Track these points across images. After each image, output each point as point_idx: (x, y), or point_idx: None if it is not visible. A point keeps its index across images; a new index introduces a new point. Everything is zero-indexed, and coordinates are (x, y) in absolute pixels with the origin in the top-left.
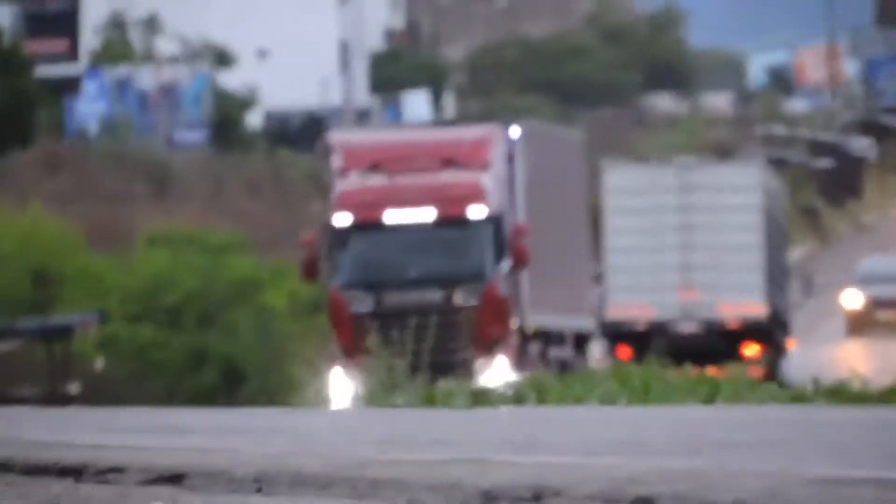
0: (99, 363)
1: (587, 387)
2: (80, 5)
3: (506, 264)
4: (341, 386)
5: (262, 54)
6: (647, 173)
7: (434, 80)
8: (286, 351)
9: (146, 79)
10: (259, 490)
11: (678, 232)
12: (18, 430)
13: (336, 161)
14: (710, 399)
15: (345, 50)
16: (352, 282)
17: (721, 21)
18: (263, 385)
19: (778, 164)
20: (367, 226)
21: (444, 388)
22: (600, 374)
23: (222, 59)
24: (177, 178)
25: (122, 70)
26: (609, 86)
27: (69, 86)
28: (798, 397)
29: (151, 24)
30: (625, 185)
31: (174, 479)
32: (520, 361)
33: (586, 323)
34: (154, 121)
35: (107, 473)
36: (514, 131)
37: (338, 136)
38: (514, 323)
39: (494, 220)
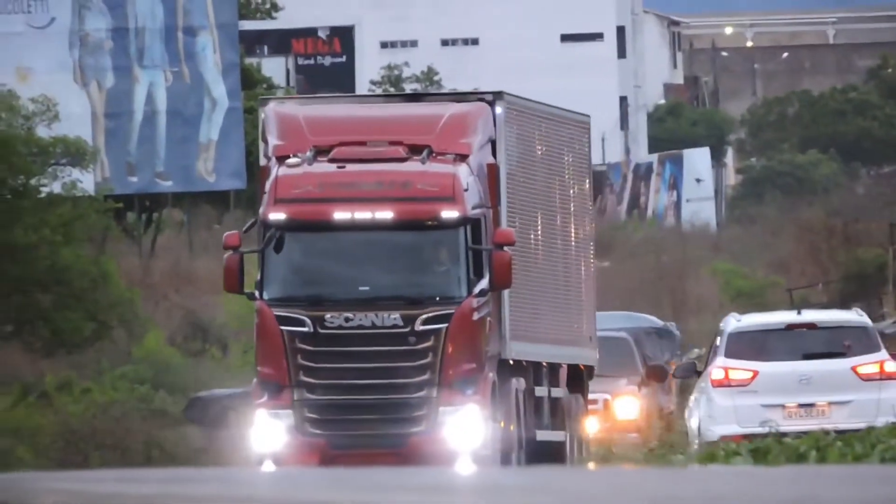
0: None
1: (867, 446)
2: (355, 59)
3: (483, 281)
4: (267, 429)
5: None
6: None
7: (714, 136)
8: None
9: None
10: None
11: None
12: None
13: (273, 140)
14: None
15: (624, 105)
16: (286, 296)
17: None
18: None
19: None
20: (308, 226)
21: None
22: (881, 432)
23: None
24: None
25: None
26: (892, 142)
27: None
28: None
29: (429, 79)
30: None
31: None
32: (498, 402)
33: (585, 355)
34: None
35: None
36: (499, 108)
37: (277, 109)
38: (490, 355)
39: (471, 225)
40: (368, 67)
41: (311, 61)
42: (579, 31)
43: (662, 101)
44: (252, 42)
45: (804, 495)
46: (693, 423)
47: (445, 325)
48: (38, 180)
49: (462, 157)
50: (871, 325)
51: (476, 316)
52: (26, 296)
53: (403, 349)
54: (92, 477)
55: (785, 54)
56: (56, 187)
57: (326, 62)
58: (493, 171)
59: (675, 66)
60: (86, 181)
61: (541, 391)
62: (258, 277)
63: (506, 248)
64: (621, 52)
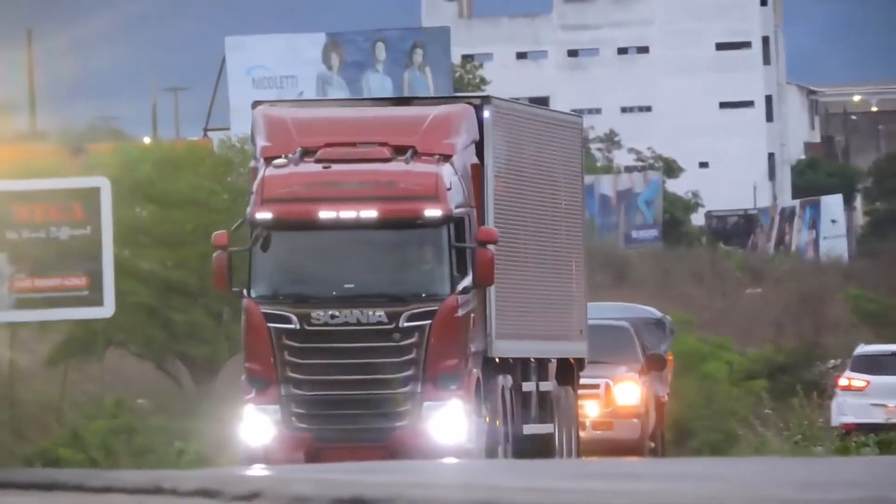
0: None
1: None
2: None
3: (467, 278)
4: (255, 424)
5: (704, 165)
6: None
7: (846, 185)
8: (726, 410)
9: (606, 186)
10: None
11: None
12: (500, 478)
13: (261, 141)
14: None
15: (771, 160)
16: (273, 293)
17: None
18: (707, 439)
19: None
20: (294, 225)
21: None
22: None
23: (670, 169)
24: (632, 268)
25: (586, 179)
26: None
27: None
28: None
29: (610, 140)
30: None
31: None
32: (483, 398)
33: (575, 349)
34: (614, 221)
35: None
36: (487, 112)
37: (265, 111)
38: (475, 351)
39: (454, 223)
40: None
41: None
42: (734, 100)
43: (803, 157)
44: None
45: None
46: (831, 414)
47: (429, 321)
48: None
49: (446, 158)
50: None
51: (460, 312)
52: None
53: (388, 345)
54: (325, 468)
55: None
56: None
57: None
58: (476, 171)
59: (813, 127)
60: None
61: (528, 386)
62: (247, 276)
63: (490, 247)
64: (769, 117)
